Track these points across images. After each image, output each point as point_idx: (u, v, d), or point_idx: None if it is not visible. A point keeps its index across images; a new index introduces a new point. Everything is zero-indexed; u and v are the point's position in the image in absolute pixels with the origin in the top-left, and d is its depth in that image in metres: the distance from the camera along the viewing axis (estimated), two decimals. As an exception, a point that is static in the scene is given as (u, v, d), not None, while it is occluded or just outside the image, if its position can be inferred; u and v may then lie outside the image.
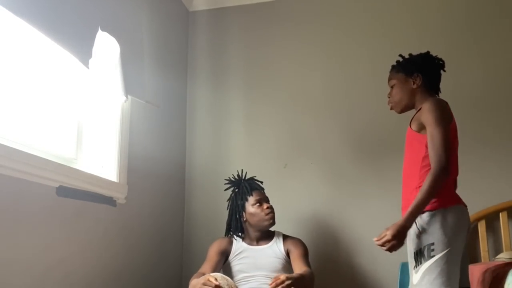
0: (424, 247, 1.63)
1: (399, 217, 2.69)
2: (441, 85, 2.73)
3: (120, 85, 1.96)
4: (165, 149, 2.74)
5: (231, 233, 2.27)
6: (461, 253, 1.67)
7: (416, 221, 1.65)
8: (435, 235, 1.62)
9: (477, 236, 2.44)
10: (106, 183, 2.05)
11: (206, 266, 2.09)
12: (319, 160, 2.76)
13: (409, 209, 1.61)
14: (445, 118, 1.68)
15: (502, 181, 2.49)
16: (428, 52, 1.86)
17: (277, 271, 2.09)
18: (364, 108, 2.76)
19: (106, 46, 1.99)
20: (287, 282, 1.78)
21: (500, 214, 2.43)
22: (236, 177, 2.31)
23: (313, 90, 2.85)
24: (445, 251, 1.60)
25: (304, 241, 2.29)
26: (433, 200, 1.64)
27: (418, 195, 1.61)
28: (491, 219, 2.46)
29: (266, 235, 2.24)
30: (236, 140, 2.92)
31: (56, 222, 1.71)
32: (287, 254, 2.19)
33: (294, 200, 2.72)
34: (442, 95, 2.64)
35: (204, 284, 1.79)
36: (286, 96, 2.89)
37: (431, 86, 1.84)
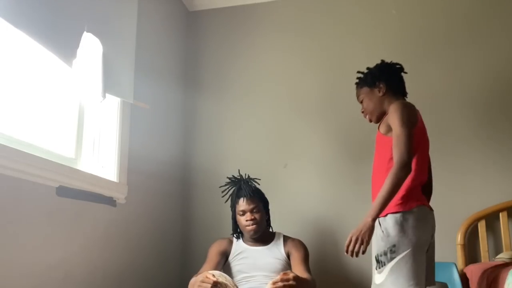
0: (387, 248, 1.68)
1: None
2: (441, 85, 2.75)
3: (99, 84, 1.94)
4: (165, 149, 2.75)
5: (234, 232, 2.27)
6: (425, 254, 1.70)
7: (380, 223, 1.71)
8: (397, 237, 1.67)
9: (477, 236, 2.44)
10: (106, 183, 2.05)
11: (206, 266, 2.09)
12: (319, 160, 2.76)
13: (372, 205, 1.65)
14: (409, 118, 1.73)
15: (502, 181, 2.49)
16: (383, 61, 1.96)
17: (277, 271, 2.09)
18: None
19: (92, 47, 1.99)
20: (291, 282, 1.75)
21: (500, 214, 2.43)
22: (234, 178, 2.29)
23: (313, 90, 2.85)
24: (406, 252, 1.65)
25: (303, 241, 2.28)
26: (396, 202, 1.69)
27: (380, 192, 1.64)
28: (491, 219, 2.46)
29: (265, 237, 2.24)
30: (235, 140, 2.92)
31: (56, 222, 1.72)
32: (288, 256, 2.19)
33: (294, 200, 2.72)
34: (441, 95, 2.67)
35: (203, 282, 1.78)
36: (286, 96, 2.89)
37: (397, 90, 1.91)
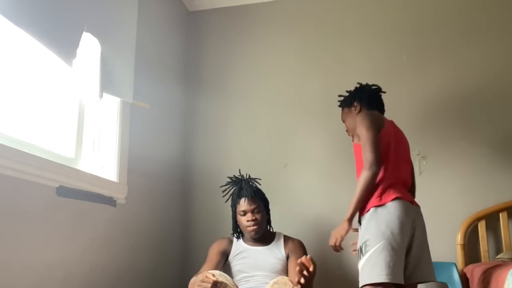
0: (363, 243, 1.77)
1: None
2: (442, 85, 2.75)
3: (97, 84, 1.95)
4: (165, 149, 2.74)
5: (234, 231, 2.26)
6: (403, 246, 1.75)
7: (361, 220, 1.85)
8: (370, 231, 1.76)
9: (477, 236, 2.44)
10: (106, 183, 2.05)
11: (207, 266, 2.08)
12: (319, 160, 2.76)
13: (349, 207, 1.84)
14: (373, 123, 1.88)
15: (502, 181, 2.49)
16: (360, 84, 2.16)
17: (277, 271, 2.09)
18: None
19: (91, 46, 1.99)
20: (311, 269, 1.81)
21: (500, 214, 2.43)
22: (234, 178, 2.29)
23: (314, 90, 2.85)
24: (378, 245, 1.71)
25: (303, 240, 2.28)
26: (373, 198, 1.81)
27: (354, 195, 1.82)
28: (491, 219, 2.46)
29: (265, 237, 2.24)
30: (235, 140, 2.92)
31: (56, 222, 1.71)
32: (287, 257, 2.18)
33: (294, 200, 2.72)
34: (441, 95, 2.67)
35: (203, 281, 1.78)
36: (286, 96, 2.89)
37: (372, 107, 2.07)
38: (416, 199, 2.57)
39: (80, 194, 1.85)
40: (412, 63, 2.75)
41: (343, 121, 2.17)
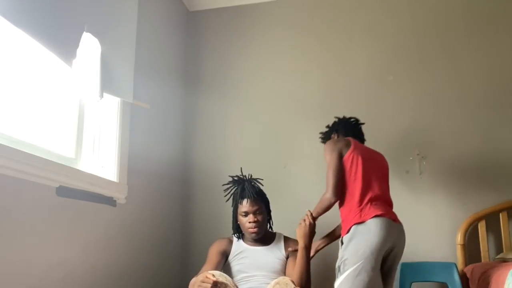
0: (341, 262, 1.77)
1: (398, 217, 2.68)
2: (442, 85, 2.75)
3: (97, 84, 1.95)
4: (165, 149, 2.74)
5: (234, 231, 2.26)
6: (378, 263, 1.74)
7: (343, 240, 1.85)
8: (349, 250, 1.77)
9: (477, 236, 2.44)
10: (106, 183, 2.05)
11: (207, 267, 2.08)
12: (319, 160, 2.75)
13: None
14: (334, 149, 1.99)
15: (502, 181, 2.49)
16: (339, 118, 2.29)
17: (277, 271, 2.09)
18: (363, 109, 2.76)
19: (91, 46, 1.99)
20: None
21: (500, 214, 2.43)
22: (236, 177, 2.29)
23: (314, 89, 2.85)
24: (356, 265, 1.71)
25: (304, 241, 2.28)
26: (351, 218, 1.84)
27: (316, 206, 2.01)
28: (491, 219, 2.46)
29: (265, 237, 2.23)
30: (235, 140, 2.92)
31: (56, 222, 1.71)
32: (287, 257, 2.18)
33: (294, 200, 2.72)
34: (441, 95, 2.67)
35: (203, 282, 1.78)
36: (286, 96, 2.89)
37: (350, 135, 2.17)
38: (416, 200, 2.59)
39: (80, 194, 1.85)
40: (412, 63, 2.75)
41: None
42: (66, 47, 1.74)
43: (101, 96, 1.93)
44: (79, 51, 1.80)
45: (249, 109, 2.94)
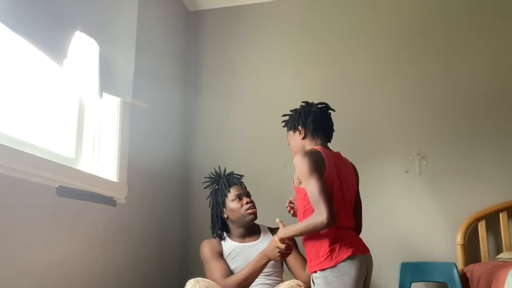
0: None
1: (395, 218, 2.69)
2: (442, 85, 2.75)
3: (96, 83, 1.94)
4: (165, 149, 2.74)
5: (217, 233, 2.19)
6: None
7: (313, 280, 1.65)
8: None
9: (477, 236, 2.44)
10: (106, 183, 2.05)
11: (217, 264, 2.03)
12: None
13: (290, 228, 1.72)
14: (316, 170, 1.64)
15: (502, 181, 2.49)
16: (307, 103, 1.91)
17: (272, 265, 2.05)
18: (363, 108, 2.76)
19: (87, 46, 1.98)
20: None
21: (500, 214, 2.43)
22: (214, 174, 2.25)
23: (313, 90, 2.85)
24: None
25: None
26: (322, 258, 1.62)
27: (298, 226, 1.68)
28: (491, 219, 2.46)
29: (251, 231, 2.18)
30: (235, 140, 2.92)
31: (56, 222, 1.71)
32: None
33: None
34: (441, 95, 2.67)
35: (286, 251, 1.82)
36: (286, 96, 2.89)
37: (318, 131, 1.86)
38: (416, 200, 2.59)
39: (80, 194, 1.85)
40: (412, 63, 2.75)
41: (287, 140, 1.95)
42: (56, 46, 1.70)
43: (101, 95, 1.93)
44: (70, 50, 1.77)
45: (249, 108, 2.94)
